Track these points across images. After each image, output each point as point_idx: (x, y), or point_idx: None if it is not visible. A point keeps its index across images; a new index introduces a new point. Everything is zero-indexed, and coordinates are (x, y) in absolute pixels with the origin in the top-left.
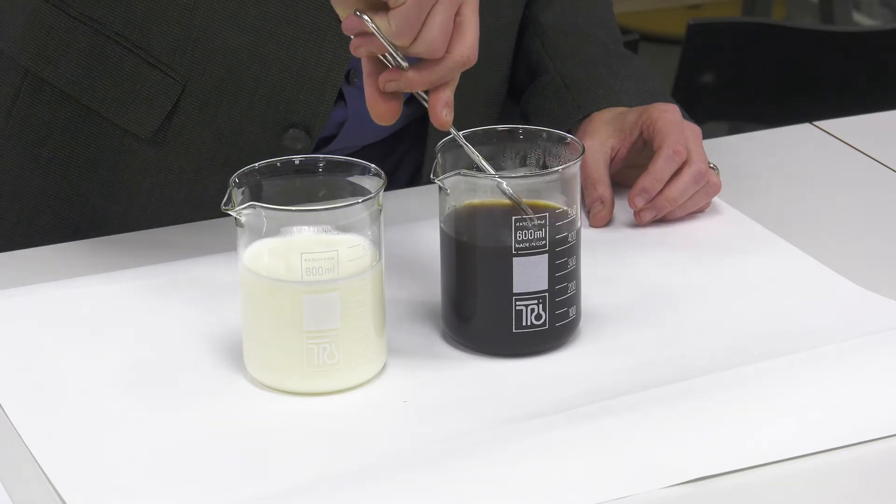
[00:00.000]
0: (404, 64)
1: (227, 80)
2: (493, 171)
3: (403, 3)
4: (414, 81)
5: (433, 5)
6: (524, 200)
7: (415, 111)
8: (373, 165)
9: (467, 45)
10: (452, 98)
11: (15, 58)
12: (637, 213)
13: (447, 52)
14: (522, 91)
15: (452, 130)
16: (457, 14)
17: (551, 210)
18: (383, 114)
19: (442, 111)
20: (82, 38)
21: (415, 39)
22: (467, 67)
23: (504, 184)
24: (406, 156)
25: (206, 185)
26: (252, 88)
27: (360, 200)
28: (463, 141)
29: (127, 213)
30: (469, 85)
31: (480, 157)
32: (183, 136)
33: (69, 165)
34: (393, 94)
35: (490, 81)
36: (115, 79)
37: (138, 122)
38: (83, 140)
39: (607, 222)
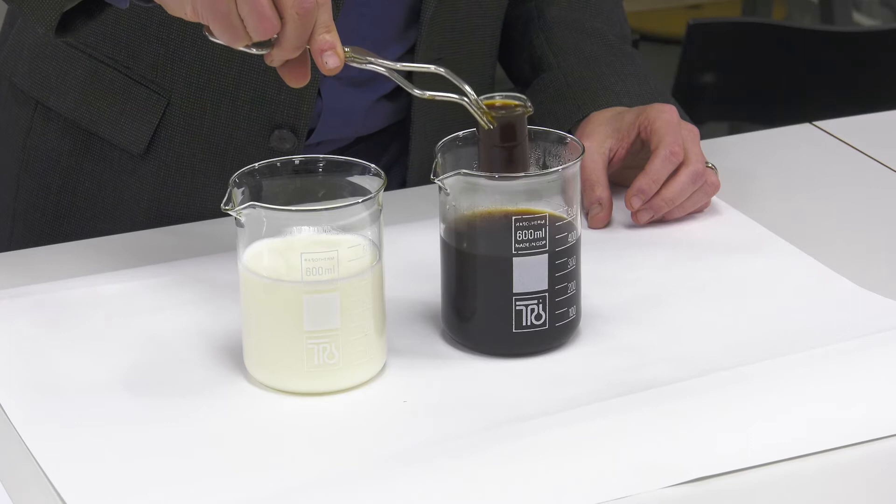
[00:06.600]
0: (262, 52)
1: (209, 88)
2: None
3: (207, 24)
4: (280, 55)
5: (235, 4)
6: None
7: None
8: (373, 165)
9: (291, 1)
10: (335, 40)
11: (26, 90)
12: (634, 214)
13: (281, 17)
14: (527, 85)
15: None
16: None
17: (551, 210)
18: (290, 80)
19: (323, 60)
20: (78, 63)
21: (247, 34)
22: (310, 12)
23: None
24: (399, 157)
25: (202, 199)
26: (234, 94)
27: (360, 200)
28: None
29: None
30: (452, 72)
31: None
32: (172, 149)
33: (77, 190)
34: (289, 62)
35: (473, 69)
36: (109, 99)
37: (130, 139)
38: (87, 164)
39: (606, 224)
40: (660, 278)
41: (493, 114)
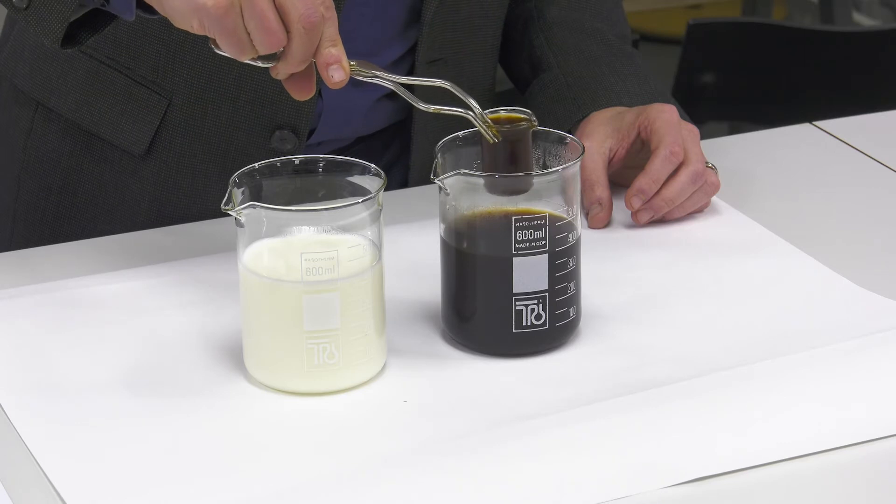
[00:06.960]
0: (268, 65)
1: (209, 89)
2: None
3: (214, 38)
4: (285, 68)
5: (240, 13)
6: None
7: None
8: (373, 165)
9: (297, 15)
10: (341, 54)
11: (27, 92)
12: (634, 214)
13: (287, 31)
14: (527, 85)
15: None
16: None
17: (551, 210)
18: (295, 93)
19: (328, 74)
20: (79, 65)
21: (253, 47)
22: (316, 26)
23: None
24: (400, 156)
25: (203, 199)
26: (235, 95)
27: (360, 200)
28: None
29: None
30: (452, 72)
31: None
32: (173, 150)
33: (77, 191)
34: (294, 75)
35: (474, 70)
36: (110, 100)
37: (131, 140)
38: (88, 164)
39: (606, 224)
40: (660, 278)
41: (499, 128)
